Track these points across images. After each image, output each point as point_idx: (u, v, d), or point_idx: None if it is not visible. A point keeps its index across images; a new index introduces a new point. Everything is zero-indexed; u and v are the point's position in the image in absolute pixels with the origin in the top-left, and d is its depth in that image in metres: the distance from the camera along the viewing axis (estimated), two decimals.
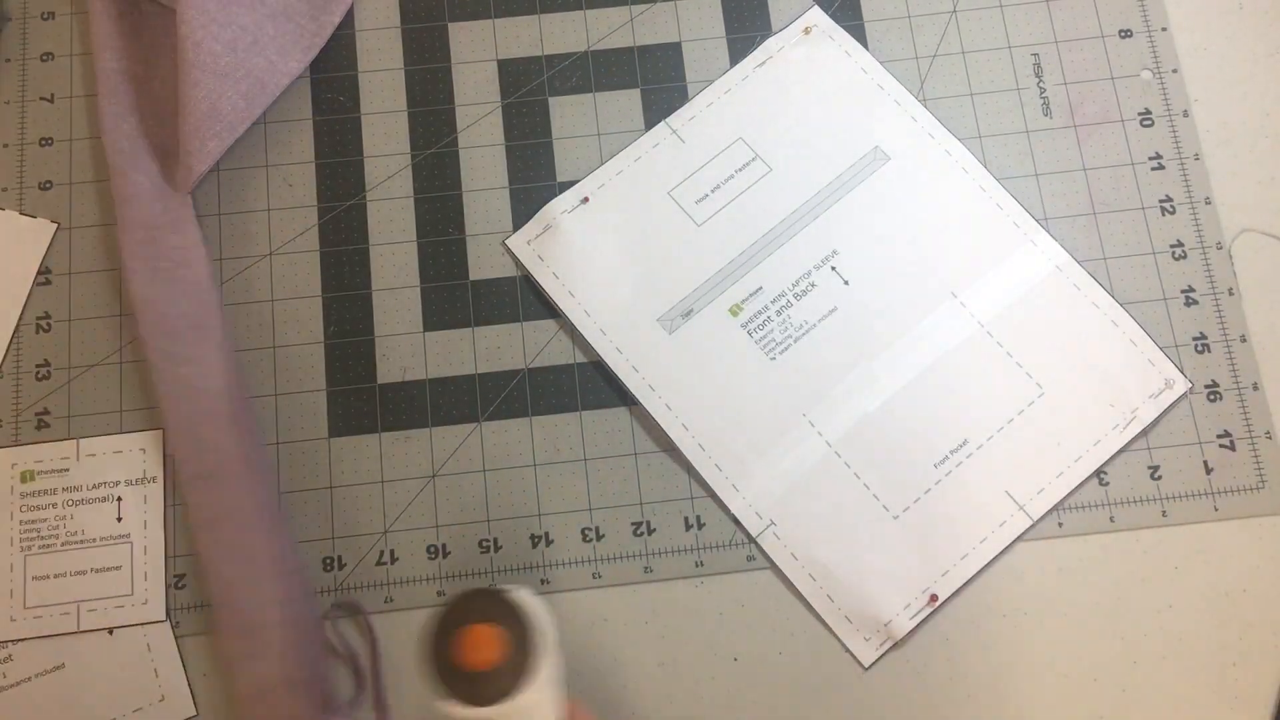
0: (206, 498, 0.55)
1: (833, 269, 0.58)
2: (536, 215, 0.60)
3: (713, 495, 0.56)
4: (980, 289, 0.58)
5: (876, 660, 0.54)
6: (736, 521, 0.56)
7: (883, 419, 0.57)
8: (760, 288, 0.58)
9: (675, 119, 0.61)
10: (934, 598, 0.54)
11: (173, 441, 0.56)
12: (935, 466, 0.56)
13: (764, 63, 0.62)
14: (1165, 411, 0.57)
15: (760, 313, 0.58)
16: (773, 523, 0.55)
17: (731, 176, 0.60)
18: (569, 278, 0.59)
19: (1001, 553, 0.55)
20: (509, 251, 0.60)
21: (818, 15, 0.63)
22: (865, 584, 0.55)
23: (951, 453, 0.56)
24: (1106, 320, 0.58)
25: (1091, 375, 0.57)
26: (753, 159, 0.60)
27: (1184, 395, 0.57)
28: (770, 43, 0.62)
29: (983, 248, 0.59)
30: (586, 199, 0.60)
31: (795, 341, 0.58)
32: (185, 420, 0.56)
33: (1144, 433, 0.57)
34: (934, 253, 0.59)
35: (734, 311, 0.58)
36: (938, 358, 0.57)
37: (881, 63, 0.62)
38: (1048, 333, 0.57)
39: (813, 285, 0.58)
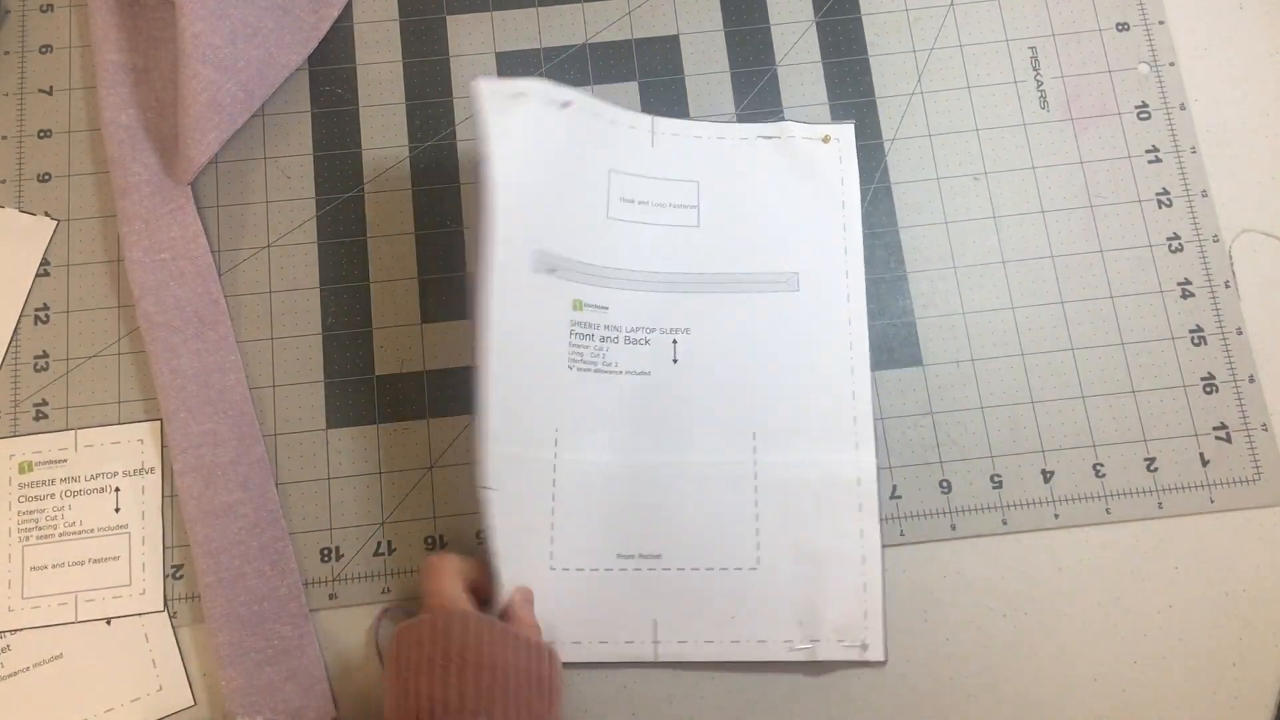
0: (202, 489, 0.55)
1: (674, 342, 0.57)
2: (523, 79, 0.55)
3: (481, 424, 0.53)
4: (778, 449, 0.56)
5: None
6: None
7: (610, 483, 0.55)
8: (607, 308, 0.57)
9: (662, 122, 0.60)
10: None
11: (170, 432, 0.56)
12: (619, 556, 0.55)
13: (771, 138, 0.60)
14: (841, 663, 0.54)
15: (590, 325, 0.56)
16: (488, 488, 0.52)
17: (664, 205, 0.59)
18: (511, 146, 0.53)
19: (610, 663, 0.54)
20: (475, 91, 0.53)
21: (846, 134, 0.61)
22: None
23: (642, 556, 0.55)
24: (859, 553, 0.55)
25: (807, 586, 0.54)
26: (692, 205, 0.59)
27: (873, 664, 0.54)
28: (790, 125, 0.61)
29: (811, 420, 0.57)
30: (569, 103, 0.56)
31: (595, 371, 0.56)
32: (183, 411, 0.56)
33: (819, 662, 0.54)
34: (769, 392, 0.57)
35: (577, 306, 0.56)
36: (696, 473, 0.56)
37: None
38: (804, 524, 0.55)
39: (646, 342, 0.57)
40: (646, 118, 0.60)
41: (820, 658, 0.54)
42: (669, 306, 0.58)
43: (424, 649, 0.46)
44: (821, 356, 0.58)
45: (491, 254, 0.52)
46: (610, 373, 0.56)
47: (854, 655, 0.54)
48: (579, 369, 0.56)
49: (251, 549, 0.55)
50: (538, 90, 0.55)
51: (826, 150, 0.60)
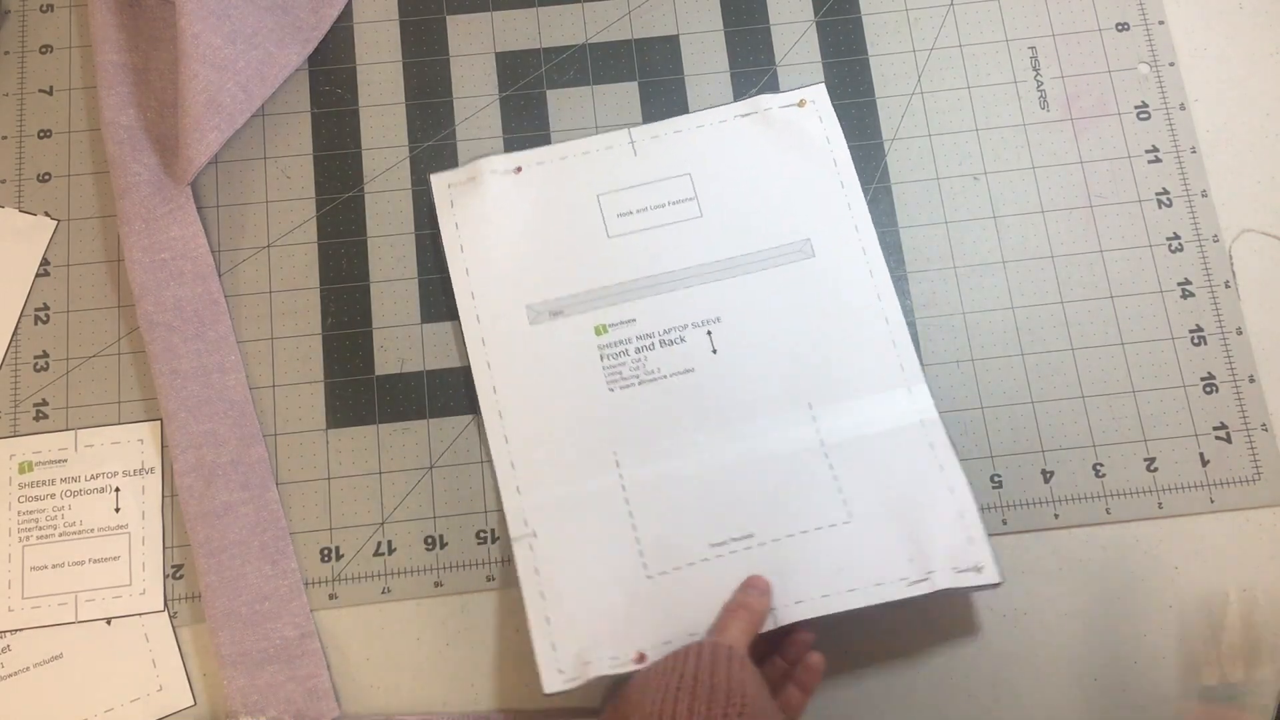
0: (202, 489, 0.55)
1: (708, 333, 0.57)
2: (469, 163, 0.60)
3: (496, 487, 0.56)
4: (837, 412, 0.56)
5: (557, 692, 0.52)
6: (502, 519, 0.56)
7: (684, 484, 0.55)
8: (634, 319, 0.58)
9: (639, 130, 0.61)
10: (642, 656, 0.53)
11: (170, 432, 0.56)
12: (711, 546, 0.55)
13: (749, 115, 0.61)
14: (962, 589, 0.53)
15: (621, 343, 0.57)
16: (534, 534, 0.55)
17: (663, 205, 0.60)
18: (467, 233, 0.59)
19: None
20: (429, 186, 0.60)
21: (819, 94, 0.62)
22: (587, 622, 0.53)
23: (733, 539, 0.55)
24: (944, 485, 0.55)
25: (905, 526, 0.54)
26: (690, 198, 0.60)
27: (988, 585, 0.53)
28: (764, 99, 0.61)
29: (860, 376, 0.57)
30: (520, 169, 0.60)
31: (639, 384, 0.57)
32: (183, 411, 0.56)
33: (936, 591, 0.52)
34: (812, 360, 0.57)
35: (599, 331, 0.57)
36: (764, 456, 0.56)
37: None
38: (883, 474, 0.55)
39: (682, 340, 0.57)
40: (622, 132, 0.61)
41: (940, 587, 0.52)
42: (694, 300, 0.58)
43: (667, 676, 0.46)
44: (853, 314, 0.58)
45: (471, 330, 0.58)
46: (655, 379, 0.57)
47: (971, 580, 0.53)
48: (620, 387, 0.57)
49: (251, 549, 0.55)
50: (486, 166, 0.60)
51: (804, 113, 0.61)
